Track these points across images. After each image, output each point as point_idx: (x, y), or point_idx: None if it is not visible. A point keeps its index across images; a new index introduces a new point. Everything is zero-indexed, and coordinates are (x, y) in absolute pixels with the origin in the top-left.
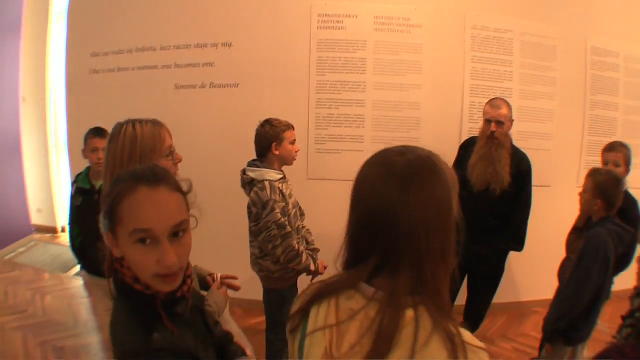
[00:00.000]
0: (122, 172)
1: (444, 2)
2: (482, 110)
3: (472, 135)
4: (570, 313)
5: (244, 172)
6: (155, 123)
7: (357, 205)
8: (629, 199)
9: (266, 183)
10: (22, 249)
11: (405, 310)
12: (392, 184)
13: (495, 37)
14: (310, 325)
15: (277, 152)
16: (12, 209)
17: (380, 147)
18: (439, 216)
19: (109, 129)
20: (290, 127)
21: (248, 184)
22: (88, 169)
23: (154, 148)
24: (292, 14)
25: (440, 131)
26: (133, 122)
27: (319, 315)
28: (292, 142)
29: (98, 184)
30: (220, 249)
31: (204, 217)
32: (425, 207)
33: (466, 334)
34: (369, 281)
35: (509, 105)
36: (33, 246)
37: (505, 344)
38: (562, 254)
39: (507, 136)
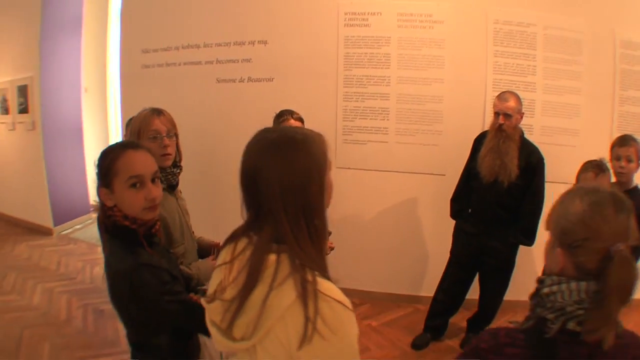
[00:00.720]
0: (111, 145)
1: None
2: None
3: None
4: None
5: None
6: (155, 111)
7: (240, 168)
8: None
9: None
10: (79, 226)
11: (269, 255)
12: (257, 151)
13: (518, 32)
14: (219, 261)
15: None
16: (73, 189)
17: (404, 138)
18: (295, 181)
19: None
20: (291, 117)
21: None
22: None
23: (140, 130)
24: (321, 13)
25: (463, 124)
26: (144, 109)
27: (224, 254)
28: None
29: None
30: None
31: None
32: (281, 172)
33: (326, 285)
34: (253, 229)
35: (517, 98)
36: (90, 224)
37: None
38: None
39: (516, 129)
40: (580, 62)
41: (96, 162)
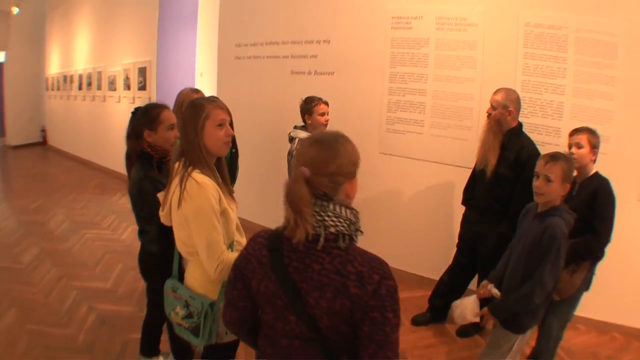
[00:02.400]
0: (198, 99)
1: (499, 1)
2: (533, 105)
3: None
4: (532, 304)
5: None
6: (213, 100)
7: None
8: (601, 179)
9: (297, 140)
10: None
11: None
12: None
13: (549, 34)
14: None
15: (309, 122)
16: None
17: (437, 131)
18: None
19: (246, 102)
20: (320, 102)
21: (290, 141)
22: None
23: (161, 121)
24: (373, 18)
25: None
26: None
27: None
28: (321, 114)
29: None
30: None
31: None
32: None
33: (194, 173)
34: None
35: (507, 95)
36: None
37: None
38: (611, 256)
39: (501, 123)
40: (615, 66)
41: (183, 110)
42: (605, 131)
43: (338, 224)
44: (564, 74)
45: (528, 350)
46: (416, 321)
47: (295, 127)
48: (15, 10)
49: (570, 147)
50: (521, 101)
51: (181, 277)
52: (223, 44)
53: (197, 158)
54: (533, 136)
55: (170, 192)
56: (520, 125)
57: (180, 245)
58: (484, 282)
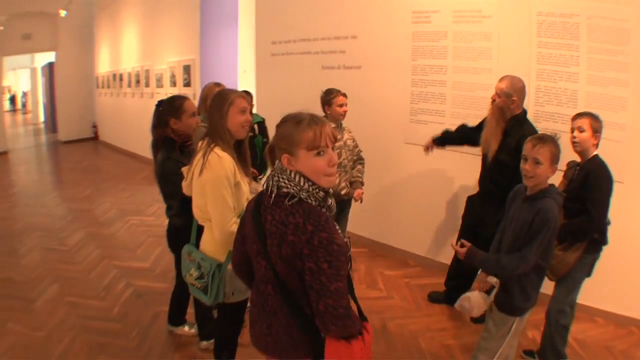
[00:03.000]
0: (225, 90)
1: None
2: (548, 94)
3: (537, 117)
4: (507, 272)
5: None
6: (236, 91)
7: None
8: (596, 162)
9: None
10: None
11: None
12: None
13: (561, 22)
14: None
15: (329, 112)
16: None
17: (458, 121)
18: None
19: (282, 96)
20: (339, 94)
21: None
22: None
23: (184, 110)
24: (395, 13)
25: None
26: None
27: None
28: (340, 105)
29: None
30: None
31: None
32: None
33: (216, 149)
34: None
35: (511, 83)
36: None
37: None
38: (625, 251)
39: (504, 110)
40: (627, 52)
41: (208, 101)
42: (619, 119)
43: (289, 186)
44: (577, 61)
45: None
46: (431, 297)
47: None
48: (62, 12)
49: (572, 130)
50: (539, 91)
51: (198, 245)
52: (260, 41)
53: (220, 137)
54: (548, 124)
55: (193, 165)
56: (524, 112)
57: (197, 211)
58: (481, 274)
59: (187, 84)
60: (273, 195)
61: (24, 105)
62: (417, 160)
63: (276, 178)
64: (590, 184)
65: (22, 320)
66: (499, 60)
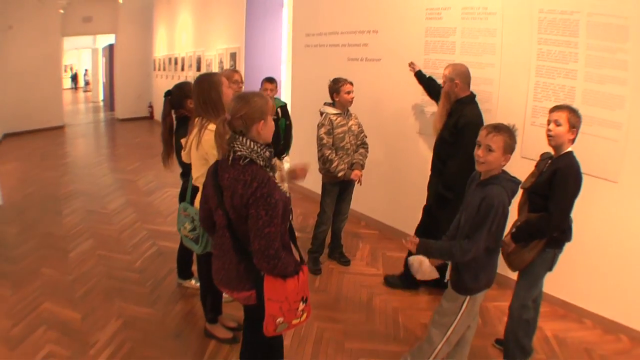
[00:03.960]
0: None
1: None
2: (546, 90)
3: (535, 112)
4: (454, 258)
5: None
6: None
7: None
8: (566, 160)
9: (324, 115)
10: None
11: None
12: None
13: (561, 19)
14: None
15: (337, 99)
16: None
17: None
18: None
19: (313, 85)
20: (346, 83)
21: (321, 115)
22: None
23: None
24: (411, 10)
25: (508, 105)
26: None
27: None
28: (347, 93)
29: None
30: None
31: None
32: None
33: (210, 124)
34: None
35: (455, 69)
36: None
37: None
38: (619, 254)
39: (449, 94)
40: (626, 50)
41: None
42: (616, 117)
43: (242, 150)
44: (576, 58)
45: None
46: (387, 281)
47: (325, 104)
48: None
49: (548, 123)
50: (538, 86)
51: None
52: (296, 33)
53: (216, 114)
54: (545, 120)
55: (190, 138)
56: (471, 96)
57: (195, 176)
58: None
59: (233, 69)
60: (230, 158)
61: (87, 83)
62: (429, 150)
63: (232, 145)
64: (556, 183)
65: (55, 266)
66: (502, 56)
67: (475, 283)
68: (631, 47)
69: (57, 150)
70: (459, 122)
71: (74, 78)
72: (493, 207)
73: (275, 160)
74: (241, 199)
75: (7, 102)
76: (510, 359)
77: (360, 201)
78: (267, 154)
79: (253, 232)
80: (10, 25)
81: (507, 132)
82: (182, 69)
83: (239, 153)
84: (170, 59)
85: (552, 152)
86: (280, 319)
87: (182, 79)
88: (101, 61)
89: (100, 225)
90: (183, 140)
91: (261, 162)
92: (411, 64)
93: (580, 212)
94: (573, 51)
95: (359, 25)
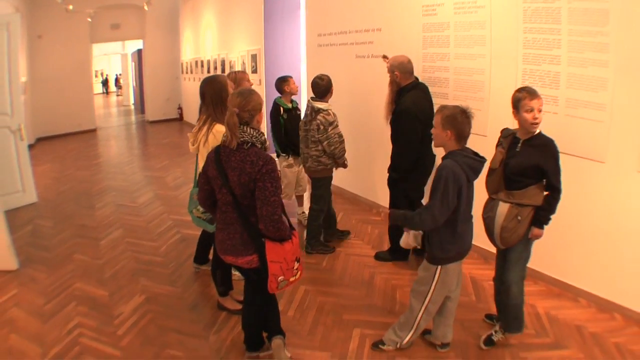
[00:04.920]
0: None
1: None
2: (533, 76)
3: None
4: (423, 228)
5: (312, 105)
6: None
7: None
8: (547, 138)
9: (330, 111)
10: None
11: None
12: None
13: (544, 8)
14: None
15: (330, 95)
16: None
17: (459, 102)
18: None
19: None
20: (289, 79)
21: (316, 111)
22: (280, 97)
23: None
24: (410, 8)
25: (499, 93)
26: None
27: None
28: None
29: (288, 106)
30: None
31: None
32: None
33: (216, 125)
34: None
35: (394, 60)
36: None
37: None
38: (611, 233)
39: (393, 83)
40: (607, 33)
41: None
42: (600, 99)
43: (246, 136)
44: (559, 44)
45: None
46: (378, 256)
47: (315, 99)
48: (145, 7)
49: (532, 110)
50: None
51: None
52: (309, 33)
53: (222, 114)
54: None
55: (200, 135)
56: (412, 84)
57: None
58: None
59: (254, 70)
60: (235, 144)
61: (119, 87)
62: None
63: (239, 133)
64: (553, 160)
65: (87, 252)
66: (492, 47)
67: (443, 253)
68: (611, 30)
69: (89, 152)
70: (397, 109)
71: (105, 83)
72: (441, 177)
73: (267, 142)
74: (249, 176)
75: (40, 107)
76: (515, 330)
77: (372, 190)
78: (263, 138)
79: (260, 200)
80: (40, 35)
81: (443, 111)
82: (208, 71)
83: (242, 139)
84: (196, 62)
85: (514, 131)
86: (281, 277)
87: None
88: (130, 66)
89: (130, 216)
90: (190, 135)
91: (259, 145)
92: (384, 57)
93: (571, 193)
94: (556, 38)
95: (364, 24)
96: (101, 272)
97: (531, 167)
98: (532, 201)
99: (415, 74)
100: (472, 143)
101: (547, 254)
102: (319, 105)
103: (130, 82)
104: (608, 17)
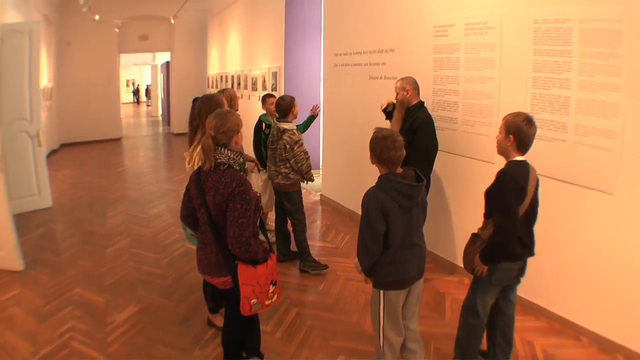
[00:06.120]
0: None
1: (511, 2)
2: (542, 101)
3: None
4: (364, 259)
5: (277, 126)
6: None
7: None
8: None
9: (295, 131)
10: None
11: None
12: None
13: (555, 29)
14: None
15: (294, 113)
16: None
17: (467, 128)
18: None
19: (341, 102)
20: (294, 99)
21: (281, 132)
22: (264, 114)
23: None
24: (422, 29)
25: None
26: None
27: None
28: (296, 107)
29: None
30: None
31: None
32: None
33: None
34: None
35: (405, 80)
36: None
37: None
38: (618, 270)
39: (403, 102)
40: (619, 55)
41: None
42: (610, 125)
43: (223, 158)
44: (570, 67)
45: None
46: None
47: (280, 120)
48: (172, 20)
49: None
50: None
51: None
52: (327, 53)
53: None
54: (542, 132)
55: (195, 154)
56: (421, 103)
57: None
58: None
59: (274, 88)
60: (213, 165)
61: (149, 97)
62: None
63: (215, 155)
64: (495, 188)
65: (91, 259)
66: (502, 69)
67: (380, 277)
68: (624, 52)
69: (111, 160)
70: (414, 124)
71: (136, 92)
72: (363, 205)
73: (247, 164)
74: (222, 196)
75: (65, 113)
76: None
77: None
78: (241, 159)
79: (229, 221)
80: (69, 42)
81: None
82: (232, 86)
83: (219, 161)
84: (222, 77)
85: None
86: (254, 300)
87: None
88: (160, 77)
89: (139, 227)
90: (187, 154)
91: (237, 167)
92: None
93: (576, 225)
94: (567, 60)
95: (378, 45)
96: (102, 279)
97: (487, 195)
98: (484, 234)
99: (425, 96)
100: (479, 170)
101: (549, 288)
102: (284, 126)
103: (159, 94)
104: (621, 38)
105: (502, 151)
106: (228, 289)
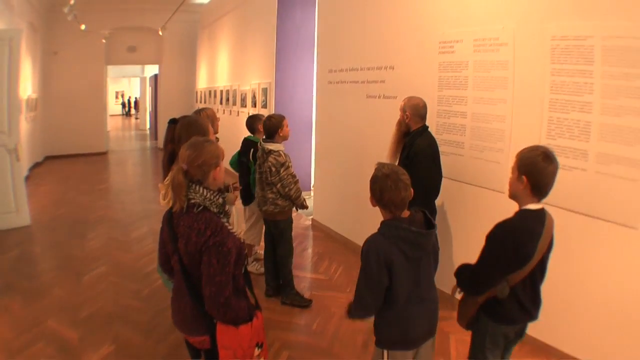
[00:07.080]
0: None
1: (526, 16)
2: (560, 126)
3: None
4: (358, 313)
5: (262, 147)
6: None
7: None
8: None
9: (281, 152)
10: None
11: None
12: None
13: (575, 46)
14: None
15: (281, 134)
16: (301, 167)
17: (475, 154)
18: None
19: (335, 121)
20: (284, 118)
21: (267, 153)
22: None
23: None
24: (425, 45)
25: (520, 144)
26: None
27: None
28: (287, 126)
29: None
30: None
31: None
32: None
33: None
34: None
35: (408, 101)
36: (309, 198)
37: None
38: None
39: (402, 124)
40: None
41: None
42: (635, 154)
43: (196, 198)
44: (591, 89)
45: None
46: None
47: (266, 141)
48: (160, 32)
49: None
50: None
51: None
52: (320, 70)
53: None
54: (559, 159)
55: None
56: (423, 127)
57: None
58: None
59: (265, 104)
60: (184, 206)
61: (138, 110)
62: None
63: (185, 193)
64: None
65: (67, 288)
66: (514, 90)
67: (384, 336)
68: None
69: (95, 176)
70: (411, 151)
71: (125, 105)
72: (362, 253)
73: (228, 207)
74: (195, 246)
75: (50, 125)
76: None
77: None
78: (220, 200)
79: (205, 277)
80: (56, 51)
81: (371, 181)
82: (221, 103)
83: (192, 201)
84: (210, 92)
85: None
86: None
87: (219, 112)
88: (148, 90)
89: (119, 252)
90: (161, 186)
91: (214, 209)
92: None
93: (597, 262)
94: (588, 81)
95: (376, 61)
96: (77, 311)
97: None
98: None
99: (429, 118)
100: (488, 199)
101: (566, 328)
102: (270, 146)
103: (147, 107)
104: None
105: (513, 195)
106: (206, 350)
